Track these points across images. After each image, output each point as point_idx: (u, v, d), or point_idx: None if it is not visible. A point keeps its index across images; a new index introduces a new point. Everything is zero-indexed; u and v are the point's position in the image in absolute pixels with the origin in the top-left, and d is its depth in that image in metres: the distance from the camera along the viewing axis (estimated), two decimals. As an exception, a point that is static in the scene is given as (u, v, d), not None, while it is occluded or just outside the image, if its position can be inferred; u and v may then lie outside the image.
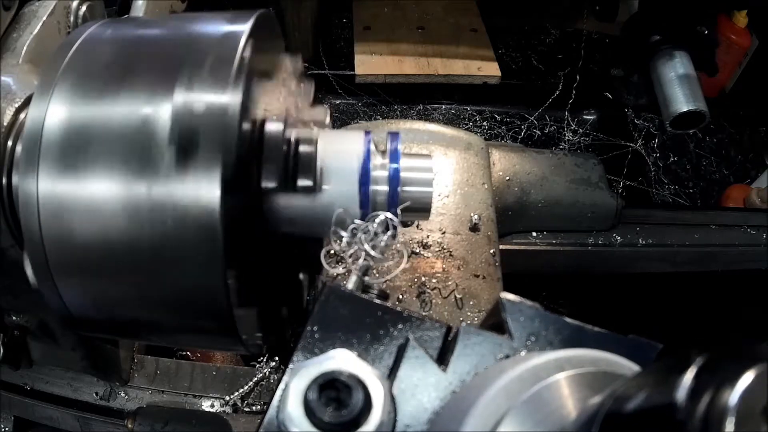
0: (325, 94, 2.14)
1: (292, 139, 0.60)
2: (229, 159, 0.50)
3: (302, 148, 0.61)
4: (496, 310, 0.52)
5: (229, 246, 0.52)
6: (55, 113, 0.54)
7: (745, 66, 2.27)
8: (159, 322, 0.60)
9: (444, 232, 1.09)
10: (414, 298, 1.01)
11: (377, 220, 0.59)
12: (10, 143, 0.63)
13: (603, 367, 0.41)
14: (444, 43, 2.10)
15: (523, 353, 0.49)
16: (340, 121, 2.13)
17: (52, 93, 0.55)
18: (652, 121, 2.20)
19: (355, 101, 2.15)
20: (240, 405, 1.25)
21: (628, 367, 0.42)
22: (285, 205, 0.61)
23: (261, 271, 0.62)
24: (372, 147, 0.64)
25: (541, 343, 0.49)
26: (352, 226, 0.59)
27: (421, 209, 0.66)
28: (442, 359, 0.49)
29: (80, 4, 0.86)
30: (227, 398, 1.24)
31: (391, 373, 0.49)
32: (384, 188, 0.63)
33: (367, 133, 0.65)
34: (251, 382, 1.26)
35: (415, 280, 1.03)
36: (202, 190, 0.50)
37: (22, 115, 0.65)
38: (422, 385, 0.47)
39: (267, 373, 1.28)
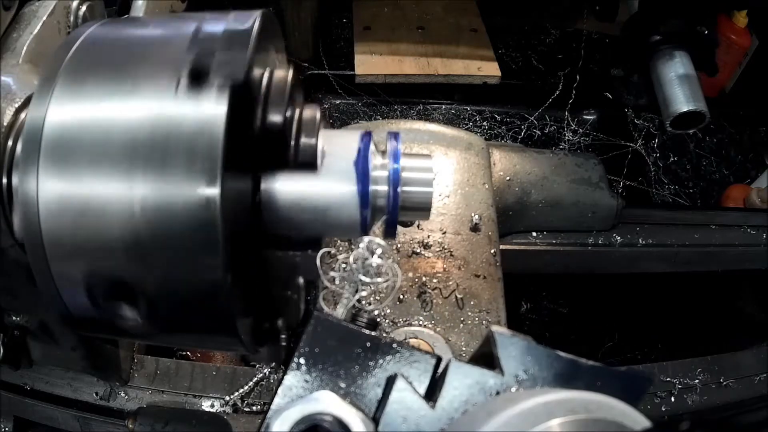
0: (325, 94, 2.14)
1: (293, 128, 0.61)
2: (228, 169, 0.51)
3: (306, 114, 0.61)
4: (487, 342, 0.51)
5: (230, 243, 0.52)
6: (56, 113, 0.54)
7: (745, 66, 2.27)
8: (160, 322, 0.60)
9: (445, 232, 1.09)
10: (415, 298, 1.01)
11: (361, 245, 0.59)
12: (10, 143, 0.63)
13: (594, 412, 0.40)
14: (444, 43, 2.10)
15: (513, 389, 0.48)
16: (340, 121, 2.13)
17: (52, 93, 0.55)
18: (652, 121, 2.20)
19: (355, 101, 2.15)
20: (240, 405, 1.25)
21: (621, 409, 0.41)
22: (284, 205, 0.61)
23: (259, 274, 0.62)
24: (372, 147, 0.64)
25: (533, 378, 0.48)
26: (341, 261, 0.59)
27: (421, 209, 0.66)
28: (431, 395, 0.48)
29: (80, 4, 0.86)
30: (227, 398, 1.24)
31: (378, 409, 0.48)
32: (384, 188, 0.63)
33: (367, 133, 0.65)
34: (251, 382, 1.26)
35: (416, 280, 1.04)
36: (203, 192, 0.50)
37: (22, 115, 0.65)
38: (410, 423, 0.46)
39: (267, 373, 1.28)
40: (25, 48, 0.77)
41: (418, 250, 1.07)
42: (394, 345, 0.50)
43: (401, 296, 1.01)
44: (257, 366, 1.29)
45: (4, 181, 0.61)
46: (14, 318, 0.90)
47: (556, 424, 0.39)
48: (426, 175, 0.65)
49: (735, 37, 2.19)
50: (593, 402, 0.41)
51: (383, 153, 0.64)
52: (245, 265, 0.56)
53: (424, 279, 1.03)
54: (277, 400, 0.48)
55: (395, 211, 0.63)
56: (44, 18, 0.80)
